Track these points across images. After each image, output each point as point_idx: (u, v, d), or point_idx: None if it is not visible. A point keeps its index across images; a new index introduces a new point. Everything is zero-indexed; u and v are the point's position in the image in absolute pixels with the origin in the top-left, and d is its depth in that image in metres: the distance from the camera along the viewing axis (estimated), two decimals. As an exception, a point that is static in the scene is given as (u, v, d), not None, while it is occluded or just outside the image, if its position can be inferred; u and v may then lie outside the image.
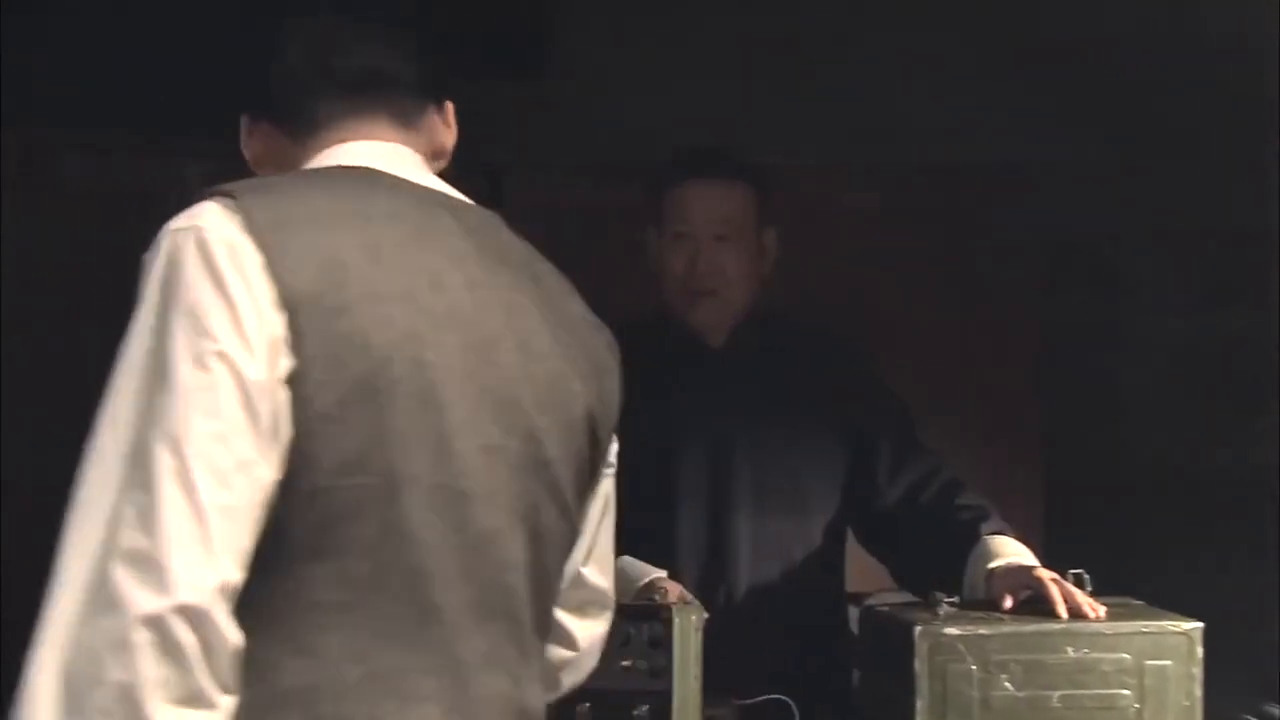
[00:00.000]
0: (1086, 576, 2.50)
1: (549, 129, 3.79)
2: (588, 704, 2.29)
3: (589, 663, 2.00)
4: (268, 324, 1.59)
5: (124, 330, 1.59)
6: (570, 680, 1.99)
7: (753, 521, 2.82)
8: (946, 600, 2.47)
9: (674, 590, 2.59)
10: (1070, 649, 2.40)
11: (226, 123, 2.14)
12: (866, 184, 3.79)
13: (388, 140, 1.86)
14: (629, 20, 3.89)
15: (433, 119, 1.93)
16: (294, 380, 1.59)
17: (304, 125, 1.87)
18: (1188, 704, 2.38)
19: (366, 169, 1.80)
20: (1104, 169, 3.83)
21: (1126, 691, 2.38)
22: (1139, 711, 2.37)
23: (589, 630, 1.97)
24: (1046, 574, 2.51)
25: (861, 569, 3.02)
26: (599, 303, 3.51)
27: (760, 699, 2.50)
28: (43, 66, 3.41)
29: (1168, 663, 2.40)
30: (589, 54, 3.84)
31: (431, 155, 1.92)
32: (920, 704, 2.35)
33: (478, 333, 1.72)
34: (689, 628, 2.32)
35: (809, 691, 2.57)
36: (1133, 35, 3.50)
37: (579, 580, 1.92)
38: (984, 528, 2.70)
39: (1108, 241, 3.81)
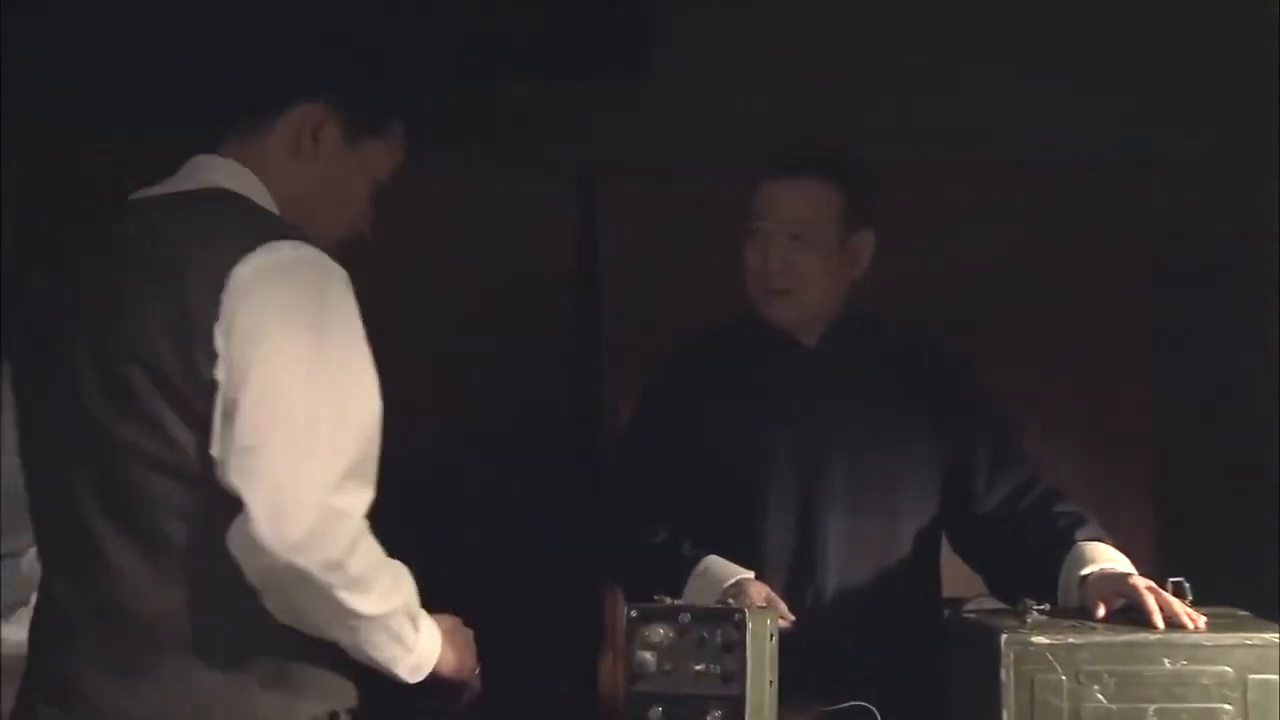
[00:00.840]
0: (1187, 585, 2.39)
1: (645, 127, 3.74)
2: (660, 708, 2.23)
3: None
4: None
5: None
6: None
7: (843, 523, 2.74)
8: (1037, 607, 2.38)
9: (759, 592, 2.52)
10: (1167, 660, 2.30)
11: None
12: (967, 180, 3.67)
13: None
14: (728, 16, 3.84)
15: None
16: None
17: None
18: (1293, 720, 2.27)
19: None
20: (1221, 162, 3.70)
21: (1228, 706, 2.28)
22: (1240, 727, 2.26)
23: None
24: (1142, 582, 2.41)
25: (961, 574, 2.93)
26: (691, 298, 3.54)
27: (844, 705, 2.42)
28: (43, 64, 3.41)
29: (1272, 677, 2.28)
30: (688, 53, 3.79)
31: None
32: (1006, 714, 2.26)
33: None
34: (764, 632, 2.25)
35: (897, 699, 2.49)
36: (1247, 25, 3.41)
37: None
38: (1079, 533, 2.60)
39: (1222, 237, 3.68)
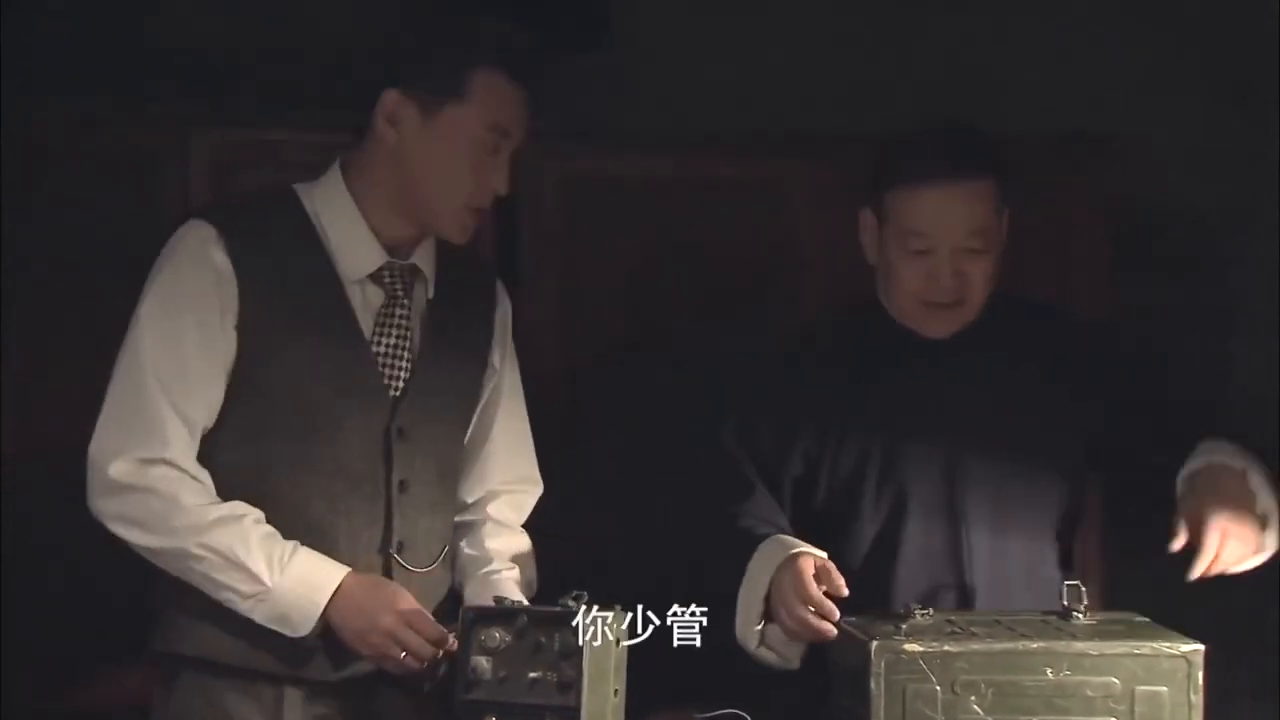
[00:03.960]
0: (1083, 589, 2.26)
1: (608, 99, 3.58)
2: (493, 718, 2.09)
3: None
4: None
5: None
6: None
7: (986, 527, 2.50)
8: (920, 611, 2.22)
9: (808, 566, 2.28)
10: (1049, 670, 2.16)
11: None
12: None
13: None
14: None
15: None
16: None
17: None
18: (1187, 736, 2.11)
19: None
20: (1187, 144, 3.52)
21: (1113, 720, 2.13)
22: (1127, 743, 2.11)
23: None
24: (1220, 524, 2.24)
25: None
26: (635, 271, 3.39)
27: (718, 713, 2.26)
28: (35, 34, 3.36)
29: (1162, 689, 2.14)
30: (650, 24, 3.62)
31: None
32: (875, 727, 2.11)
33: None
34: (606, 637, 2.10)
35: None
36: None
37: None
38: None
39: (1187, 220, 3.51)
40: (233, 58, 3.50)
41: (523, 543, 2.50)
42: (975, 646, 2.15)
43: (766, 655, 2.37)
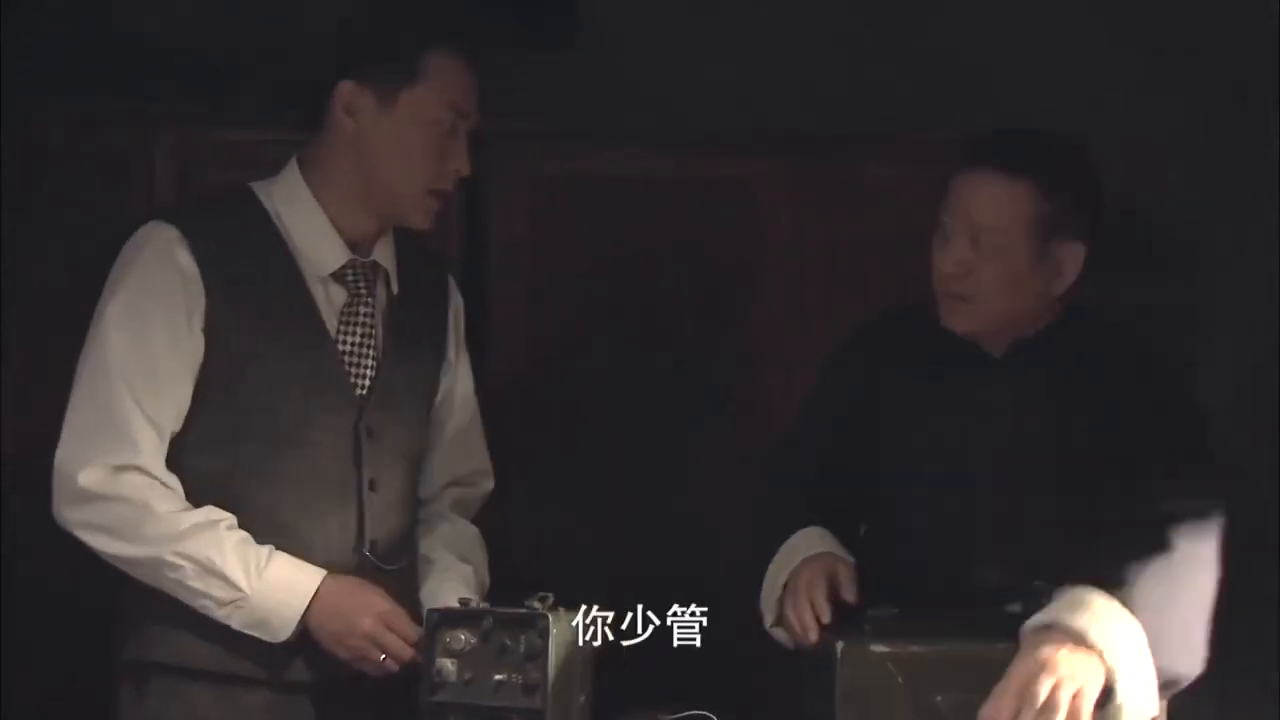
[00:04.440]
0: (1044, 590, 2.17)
1: (578, 99, 3.57)
2: (458, 719, 2.11)
3: None
4: None
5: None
6: None
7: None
8: (888, 611, 2.22)
9: (816, 572, 2.27)
10: (1017, 673, 2.12)
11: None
12: (891, 151, 3.42)
13: None
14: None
15: None
16: None
17: None
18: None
19: None
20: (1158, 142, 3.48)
21: (1086, 719, 2.10)
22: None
23: None
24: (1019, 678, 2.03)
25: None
26: (603, 271, 3.37)
27: (684, 715, 2.27)
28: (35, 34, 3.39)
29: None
30: (620, 23, 3.61)
31: None
32: (843, 728, 2.11)
33: None
34: (572, 639, 2.11)
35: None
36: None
37: None
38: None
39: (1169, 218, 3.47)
40: (233, 57, 3.52)
41: (475, 539, 2.51)
42: (944, 647, 2.15)
43: (778, 633, 2.38)
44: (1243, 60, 3.44)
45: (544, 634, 2.08)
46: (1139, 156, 3.36)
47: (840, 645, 2.14)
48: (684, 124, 3.41)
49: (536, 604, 2.12)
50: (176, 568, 2.23)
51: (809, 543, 2.38)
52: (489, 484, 2.57)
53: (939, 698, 2.13)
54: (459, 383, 2.51)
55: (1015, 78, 3.47)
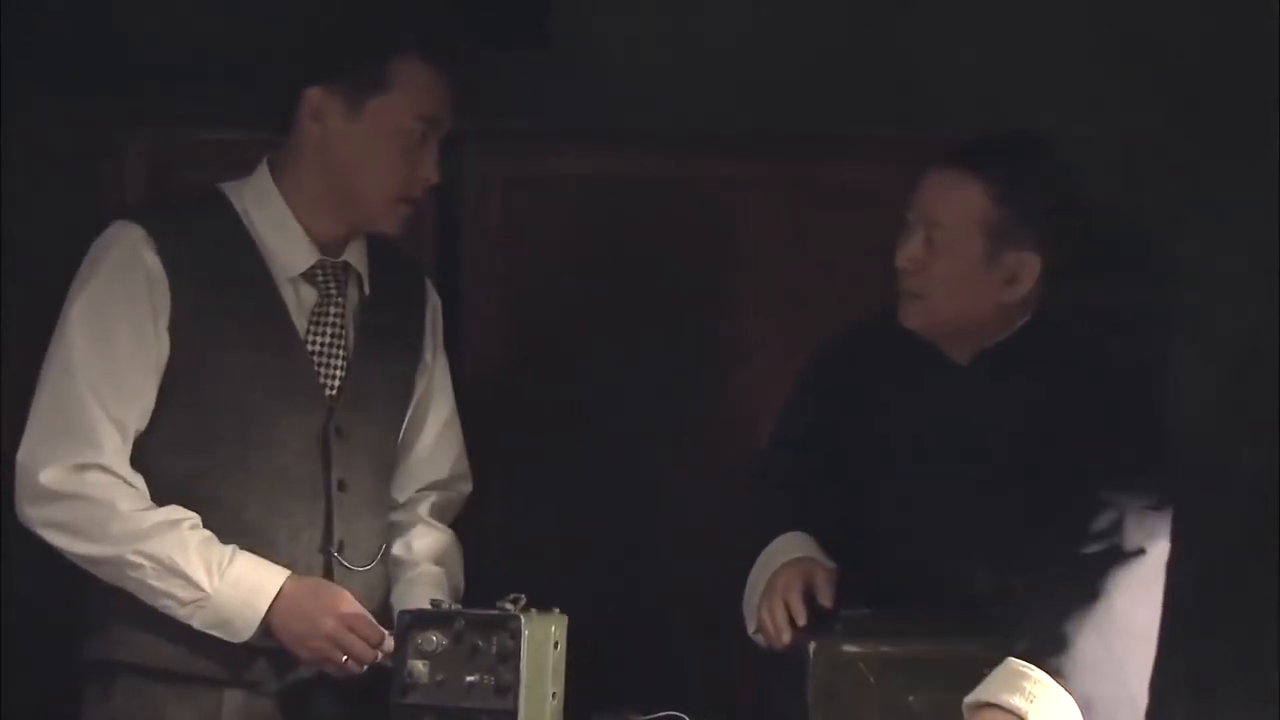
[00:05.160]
0: None
1: (546, 97, 3.56)
2: (429, 721, 2.11)
3: None
4: None
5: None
6: None
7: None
8: (860, 612, 2.22)
9: (792, 576, 2.27)
10: (987, 672, 2.11)
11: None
12: (866, 153, 3.37)
13: None
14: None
15: None
16: None
17: None
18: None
19: None
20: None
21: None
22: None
23: None
24: None
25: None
26: (578, 271, 3.36)
27: (658, 715, 2.28)
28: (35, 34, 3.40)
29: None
30: (590, 21, 3.59)
31: None
32: (815, 727, 2.11)
33: None
34: (544, 640, 2.11)
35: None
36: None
37: None
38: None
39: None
40: (234, 57, 3.53)
41: (451, 544, 2.50)
42: (916, 648, 2.16)
43: (760, 640, 2.37)
44: (1227, 67, 3.42)
45: (516, 635, 2.08)
46: (1117, 161, 3.35)
47: (813, 645, 2.15)
48: (657, 124, 3.39)
49: (509, 605, 2.12)
50: (138, 567, 2.22)
51: (789, 548, 2.39)
52: (467, 487, 2.56)
53: (911, 698, 2.14)
54: (436, 384, 2.50)
55: (1006, 81, 3.45)
